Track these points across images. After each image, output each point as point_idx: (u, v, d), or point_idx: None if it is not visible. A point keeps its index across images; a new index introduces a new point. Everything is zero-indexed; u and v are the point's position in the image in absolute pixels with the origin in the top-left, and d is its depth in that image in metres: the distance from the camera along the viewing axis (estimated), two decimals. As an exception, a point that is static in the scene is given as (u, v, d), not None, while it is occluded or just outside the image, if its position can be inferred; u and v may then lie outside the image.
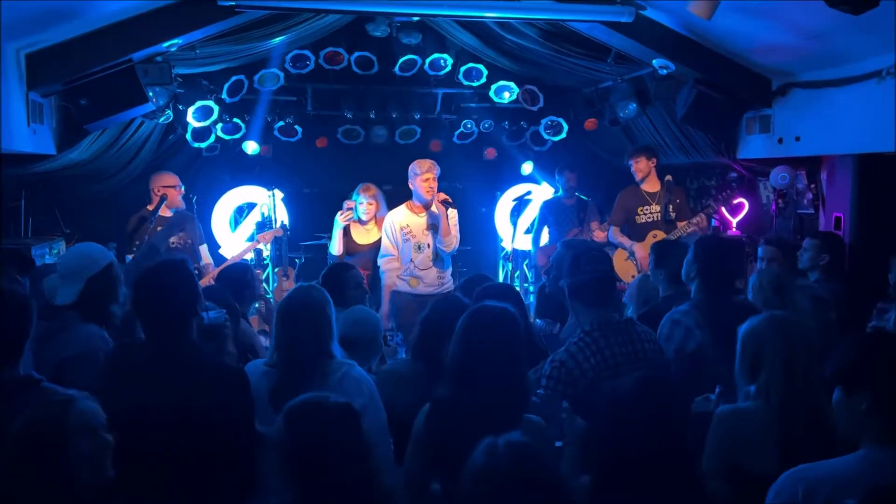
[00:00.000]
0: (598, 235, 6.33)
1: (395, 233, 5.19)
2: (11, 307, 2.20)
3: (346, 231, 5.44)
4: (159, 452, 2.09)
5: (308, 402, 1.90)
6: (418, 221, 5.18)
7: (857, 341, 1.92)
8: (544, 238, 6.64)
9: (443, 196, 5.14)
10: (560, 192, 6.61)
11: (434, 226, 5.15)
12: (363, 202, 5.37)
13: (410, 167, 5.18)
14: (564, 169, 6.53)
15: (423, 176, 5.08)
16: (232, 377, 2.36)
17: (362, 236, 5.48)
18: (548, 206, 6.59)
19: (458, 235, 5.25)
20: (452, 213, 5.20)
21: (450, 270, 5.33)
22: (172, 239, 5.30)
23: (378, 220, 5.42)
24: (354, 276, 3.92)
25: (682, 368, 3.03)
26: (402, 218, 5.21)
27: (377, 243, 5.32)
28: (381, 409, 2.70)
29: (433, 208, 5.13)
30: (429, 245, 5.16)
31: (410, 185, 5.20)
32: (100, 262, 2.83)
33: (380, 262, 5.27)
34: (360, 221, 5.44)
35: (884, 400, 1.76)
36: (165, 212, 5.46)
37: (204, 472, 2.13)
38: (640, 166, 5.87)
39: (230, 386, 2.30)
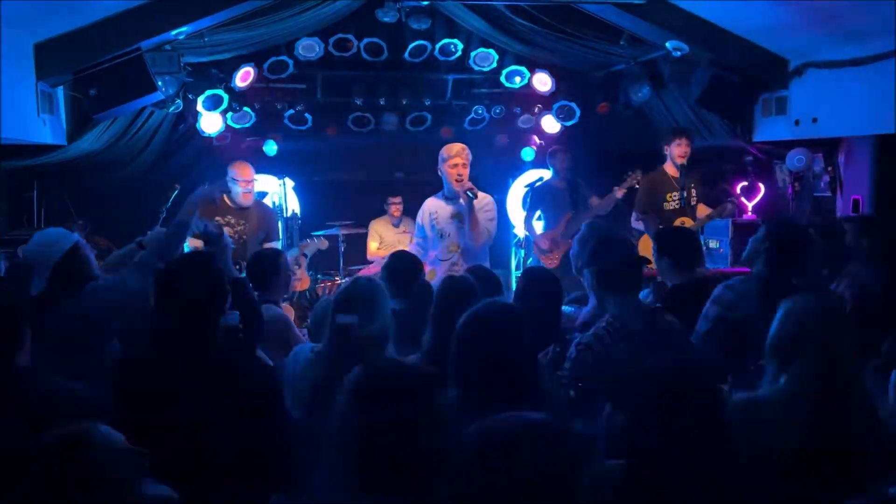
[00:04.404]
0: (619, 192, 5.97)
1: (423, 218, 4.95)
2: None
3: None
4: (180, 451, 2.07)
5: (379, 369, 1.77)
6: (446, 209, 4.89)
7: None
8: (538, 224, 6.41)
9: (468, 185, 4.72)
10: (552, 176, 6.41)
11: (460, 215, 4.81)
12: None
13: (440, 153, 4.87)
14: (557, 151, 6.37)
15: (450, 162, 4.76)
16: (256, 374, 2.30)
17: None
18: (539, 192, 6.34)
19: (492, 228, 4.83)
20: (486, 202, 4.80)
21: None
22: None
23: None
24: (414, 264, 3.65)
25: (724, 333, 2.89)
26: (433, 204, 4.95)
27: None
28: None
29: (461, 199, 4.77)
30: (450, 235, 4.85)
31: (439, 172, 4.89)
32: (62, 247, 2.80)
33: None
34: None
35: None
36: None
37: (227, 468, 2.12)
38: (689, 149, 5.44)
39: (255, 383, 2.24)
